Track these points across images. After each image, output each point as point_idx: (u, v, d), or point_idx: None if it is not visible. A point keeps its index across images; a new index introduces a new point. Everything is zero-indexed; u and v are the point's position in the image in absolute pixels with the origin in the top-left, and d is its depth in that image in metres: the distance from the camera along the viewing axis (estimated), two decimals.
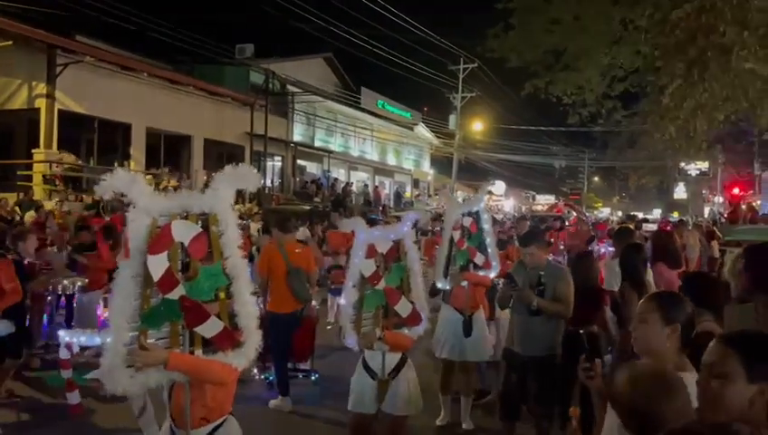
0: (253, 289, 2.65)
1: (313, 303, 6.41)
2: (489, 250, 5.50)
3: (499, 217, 25.98)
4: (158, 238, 2.62)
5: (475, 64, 33.06)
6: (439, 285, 5.40)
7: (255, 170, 2.76)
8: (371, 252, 3.86)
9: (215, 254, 2.67)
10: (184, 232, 2.66)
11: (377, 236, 3.90)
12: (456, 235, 5.42)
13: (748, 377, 1.59)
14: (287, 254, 5.98)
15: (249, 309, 2.68)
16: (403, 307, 3.86)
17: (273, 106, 24.97)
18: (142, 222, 2.63)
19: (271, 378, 6.39)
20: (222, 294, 2.67)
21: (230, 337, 2.65)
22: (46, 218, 12.46)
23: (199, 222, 2.70)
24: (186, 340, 2.70)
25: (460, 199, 6.40)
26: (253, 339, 2.67)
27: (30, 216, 12.90)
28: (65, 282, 7.75)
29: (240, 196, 22.28)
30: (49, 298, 8.16)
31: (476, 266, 5.47)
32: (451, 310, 5.57)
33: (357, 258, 3.86)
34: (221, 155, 24.23)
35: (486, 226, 5.54)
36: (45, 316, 8.29)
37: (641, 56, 10.24)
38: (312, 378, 6.69)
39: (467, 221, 5.49)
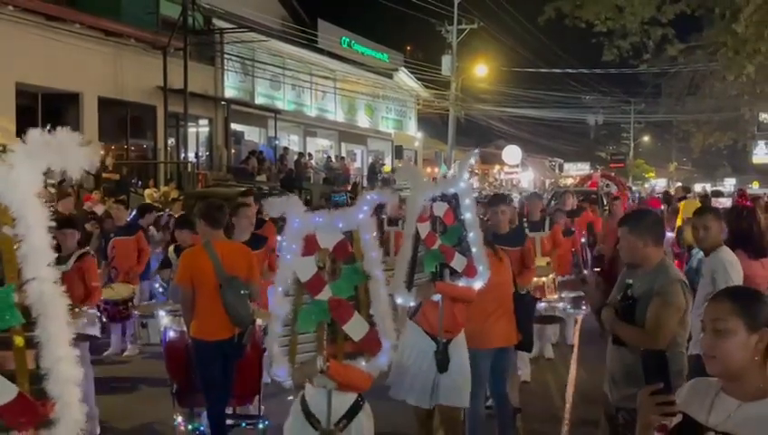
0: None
1: (259, 323, 6.35)
2: (474, 250, 5.41)
3: (514, 195, 26.20)
4: None
5: None
6: (400, 301, 5.35)
7: (81, 138, 2.43)
8: (311, 246, 3.90)
9: (6, 271, 2.42)
10: None
11: (319, 225, 3.92)
12: (424, 228, 5.35)
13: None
14: (218, 257, 6.01)
15: (65, 370, 2.42)
16: (355, 327, 3.87)
17: (196, 49, 24.77)
18: None
19: (202, 428, 6.36)
20: (18, 340, 2.40)
21: (30, 410, 2.40)
22: None
23: None
24: None
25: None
26: (70, 416, 2.43)
27: None
28: None
29: (152, 177, 22.02)
30: None
31: (455, 273, 5.40)
32: (419, 332, 5.53)
33: (289, 254, 3.87)
34: (123, 119, 24.01)
35: (469, 215, 5.45)
36: None
37: None
38: (261, 426, 6.55)
39: (440, 209, 5.41)
